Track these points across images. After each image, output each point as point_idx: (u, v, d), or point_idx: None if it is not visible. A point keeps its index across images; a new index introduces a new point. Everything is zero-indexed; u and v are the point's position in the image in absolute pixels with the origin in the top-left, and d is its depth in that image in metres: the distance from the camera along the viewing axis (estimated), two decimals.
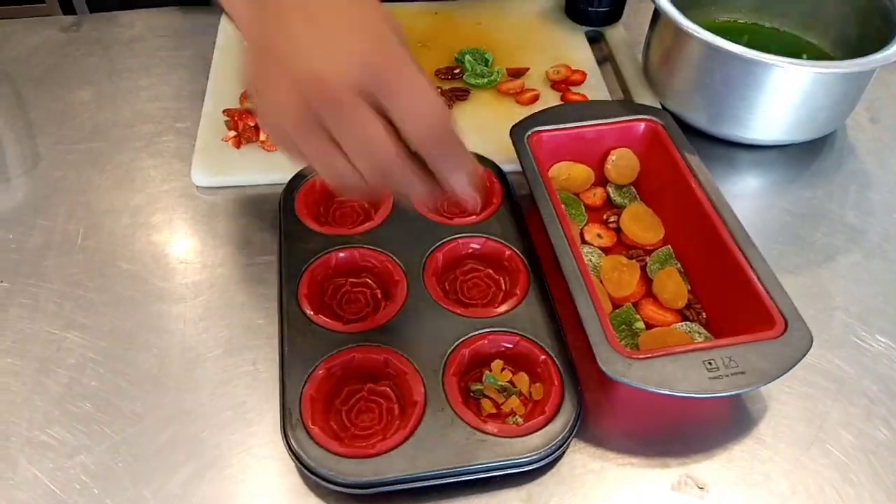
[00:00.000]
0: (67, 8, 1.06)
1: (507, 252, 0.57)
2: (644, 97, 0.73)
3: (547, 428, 0.47)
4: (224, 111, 0.70)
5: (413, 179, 0.40)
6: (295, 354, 0.50)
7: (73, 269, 0.59)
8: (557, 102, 0.72)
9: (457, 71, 0.76)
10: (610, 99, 0.74)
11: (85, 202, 0.64)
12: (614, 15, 0.82)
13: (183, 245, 0.61)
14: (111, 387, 0.52)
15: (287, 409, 0.47)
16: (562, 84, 0.75)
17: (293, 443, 0.46)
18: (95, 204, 0.64)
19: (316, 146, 0.39)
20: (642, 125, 0.64)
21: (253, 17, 0.42)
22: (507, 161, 0.64)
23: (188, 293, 0.57)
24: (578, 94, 0.74)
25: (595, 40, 0.82)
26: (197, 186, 0.65)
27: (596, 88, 0.75)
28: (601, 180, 0.65)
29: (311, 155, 0.40)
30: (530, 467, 0.46)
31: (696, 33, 0.63)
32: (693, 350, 0.47)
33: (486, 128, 0.70)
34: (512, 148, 0.61)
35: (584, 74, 0.76)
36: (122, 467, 0.48)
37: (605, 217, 0.62)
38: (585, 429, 0.50)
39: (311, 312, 0.53)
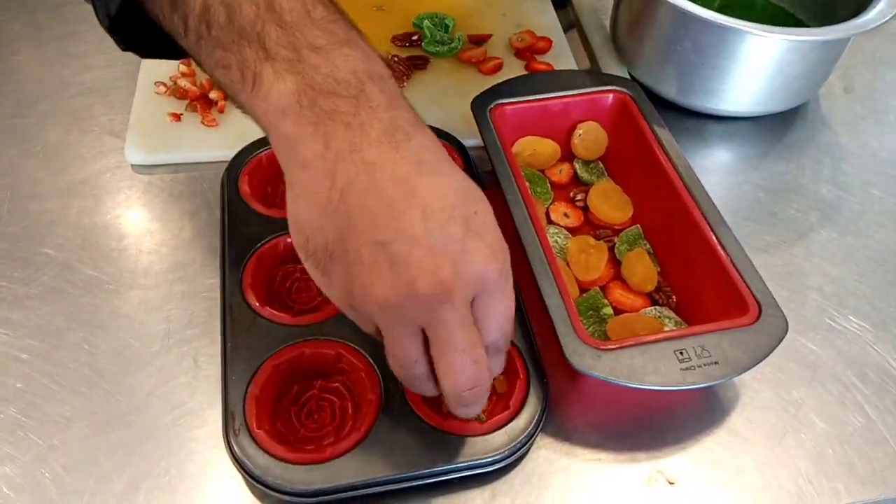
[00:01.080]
0: None
1: None
2: (612, 66, 0.70)
3: (511, 424, 0.44)
4: (157, 83, 0.64)
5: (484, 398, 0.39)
6: (238, 351, 0.46)
7: None
8: (522, 72, 0.69)
9: (415, 38, 0.71)
10: (576, 68, 0.71)
11: (7, 184, 0.59)
12: None
13: (116, 230, 0.56)
14: (38, 388, 0.48)
15: (230, 412, 0.44)
16: (526, 52, 0.71)
17: (236, 449, 0.42)
18: (19, 186, 0.59)
19: (405, 342, 0.36)
20: (610, 97, 0.60)
21: (316, 154, 0.35)
22: (469, 135, 0.60)
23: (122, 284, 0.53)
24: (544, 62, 0.70)
25: (561, 5, 0.78)
26: (132, 165, 0.60)
27: (562, 57, 0.71)
28: (568, 156, 0.61)
29: (398, 350, 0.37)
30: (494, 467, 0.44)
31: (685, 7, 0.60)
32: (664, 339, 0.45)
33: (446, 99, 0.66)
34: (474, 121, 0.57)
35: (549, 42, 0.72)
36: (50, 478, 0.44)
37: (571, 195, 0.59)
38: (551, 423, 0.47)
39: (257, 304, 0.49)
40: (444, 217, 0.35)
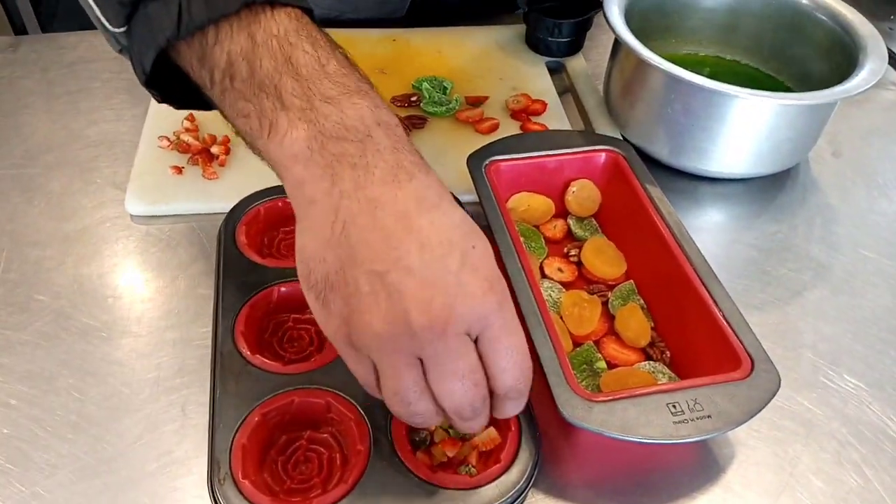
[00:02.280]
0: (20, 28, 1.02)
1: None
2: (605, 128, 0.71)
3: (502, 478, 0.43)
4: (161, 138, 0.66)
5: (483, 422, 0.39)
6: (227, 398, 0.46)
7: None
8: (517, 132, 0.70)
9: (414, 98, 0.73)
10: (570, 129, 0.72)
11: (10, 231, 0.59)
12: (574, 46, 0.81)
13: (113, 278, 0.57)
14: (26, 434, 0.47)
15: (215, 461, 0.43)
16: (522, 113, 0.73)
17: (220, 499, 0.41)
18: (21, 233, 0.59)
19: (404, 374, 0.36)
20: (603, 156, 0.61)
21: (322, 192, 0.36)
22: (465, 191, 0.61)
23: (115, 331, 0.53)
24: (539, 123, 0.72)
25: (556, 71, 0.81)
26: (132, 216, 0.61)
27: (556, 118, 0.73)
28: (561, 212, 0.62)
29: (396, 384, 0.37)
30: None
31: (656, 64, 0.62)
32: (656, 392, 0.44)
33: (443, 157, 0.67)
34: (470, 177, 0.58)
35: (544, 104, 0.74)
36: None
37: (565, 250, 0.60)
38: (544, 478, 0.46)
39: (248, 352, 0.49)
40: (441, 251, 0.35)
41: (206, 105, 0.43)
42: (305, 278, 0.38)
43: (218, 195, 0.62)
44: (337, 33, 0.72)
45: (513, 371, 0.38)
